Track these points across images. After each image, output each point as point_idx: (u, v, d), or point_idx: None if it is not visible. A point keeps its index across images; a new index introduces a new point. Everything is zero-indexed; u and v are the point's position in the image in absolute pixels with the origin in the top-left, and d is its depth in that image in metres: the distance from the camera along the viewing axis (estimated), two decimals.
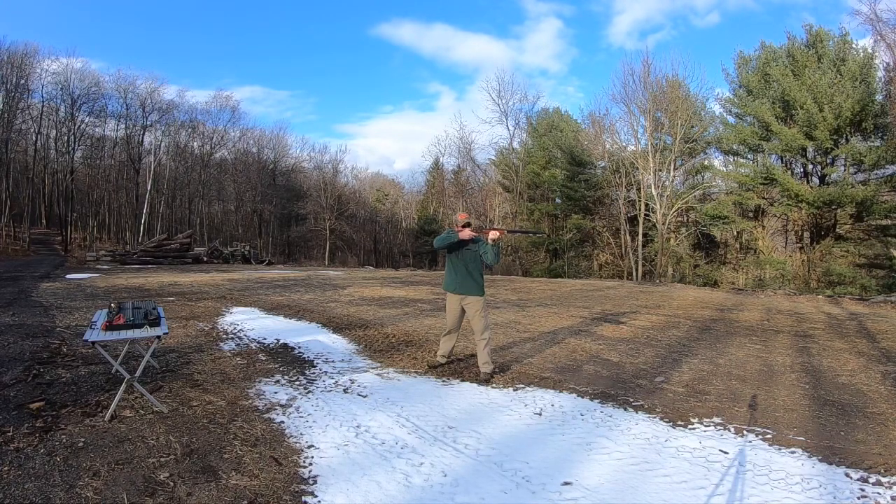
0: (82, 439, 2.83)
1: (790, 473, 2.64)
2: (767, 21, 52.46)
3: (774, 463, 2.76)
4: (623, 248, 26.69)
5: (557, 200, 31.70)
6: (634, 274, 24.47)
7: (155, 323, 3.55)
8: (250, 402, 3.62)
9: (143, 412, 3.29)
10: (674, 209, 23.53)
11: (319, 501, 2.31)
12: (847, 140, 20.65)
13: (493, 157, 36.80)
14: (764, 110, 21.15)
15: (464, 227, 4.38)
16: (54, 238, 33.27)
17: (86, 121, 33.25)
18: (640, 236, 24.52)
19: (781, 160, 23.11)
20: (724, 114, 24.96)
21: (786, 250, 23.87)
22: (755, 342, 6.24)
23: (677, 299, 11.87)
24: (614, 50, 66.78)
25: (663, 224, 23.41)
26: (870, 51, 19.52)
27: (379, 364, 4.84)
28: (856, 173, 20.77)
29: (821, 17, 47.97)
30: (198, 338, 5.82)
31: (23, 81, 29.97)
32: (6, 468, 2.45)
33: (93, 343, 3.20)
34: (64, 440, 2.81)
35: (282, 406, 3.55)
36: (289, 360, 4.87)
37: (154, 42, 61.00)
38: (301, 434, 3.06)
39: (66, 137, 32.91)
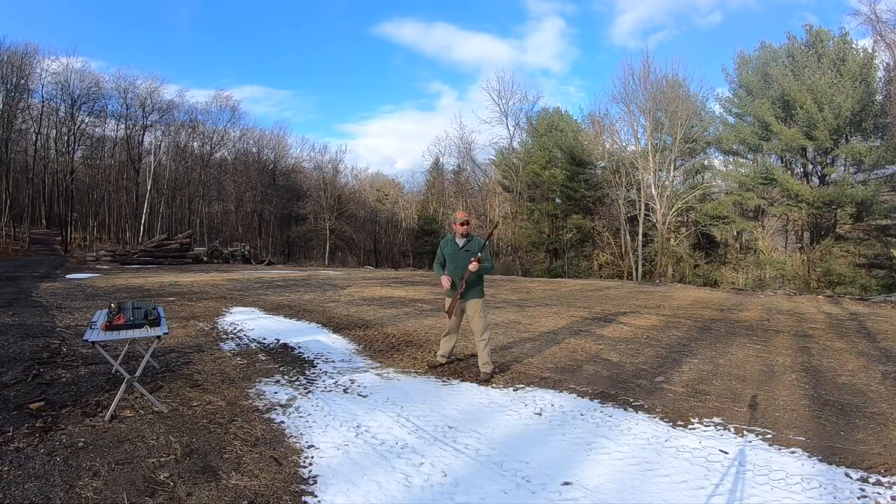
0: (82, 439, 2.83)
1: (790, 473, 2.63)
2: (769, 21, 52.44)
3: (774, 463, 2.76)
4: (623, 248, 26.70)
5: (557, 200, 31.70)
6: (634, 274, 24.47)
7: (155, 323, 3.55)
8: (250, 402, 3.62)
9: (143, 412, 3.29)
10: (674, 209, 23.54)
11: (319, 501, 2.30)
12: (847, 140, 20.67)
13: (493, 157, 36.86)
14: (764, 110, 21.16)
15: (462, 224, 4.46)
16: (54, 238, 33.27)
17: (86, 121, 33.30)
18: (640, 236, 24.52)
19: (781, 160, 23.15)
20: (724, 114, 25.04)
21: (786, 250, 23.88)
22: (755, 342, 6.24)
23: (677, 299, 11.87)
24: (616, 50, 66.62)
25: (663, 224, 23.42)
26: (870, 51, 19.56)
27: (379, 364, 4.84)
28: (856, 173, 20.80)
29: (823, 16, 48.03)
30: (198, 338, 5.82)
31: (23, 81, 29.99)
32: (6, 468, 2.44)
33: (93, 343, 3.20)
34: (64, 440, 2.81)
35: (282, 406, 3.55)
36: (289, 360, 4.87)
37: (154, 41, 61.02)
38: (301, 434, 3.06)
39: (66, 137, 32.93)
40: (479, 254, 4.36)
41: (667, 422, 3.39)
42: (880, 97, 19.57)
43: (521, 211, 32.90)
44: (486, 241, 4.54)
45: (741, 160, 24.44)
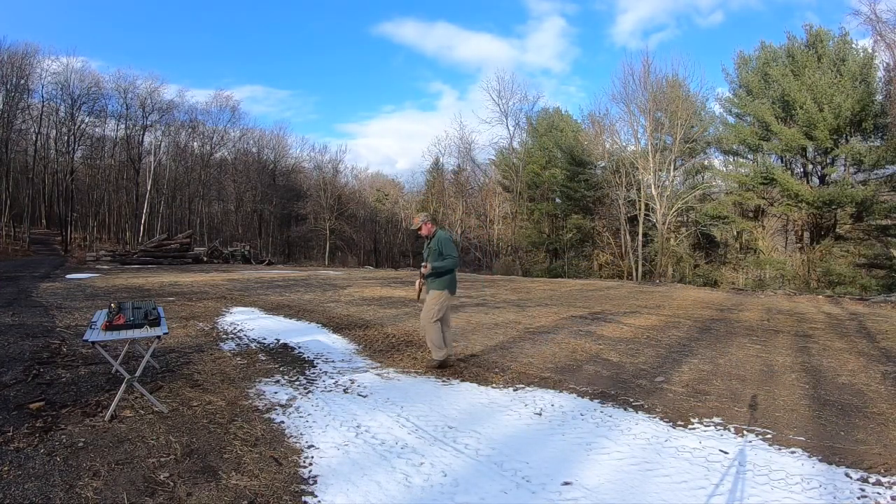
0: (82, 439, 2.83)
1: (790, 473, 2.63)
2: (769, 21, 52.53)
3: (774, 463, 2.76)
4: (623, 248, 26.69)
5: (557, 200, 31.70)
6: (634, 274, 24.46)
7: (155, 323, 3.55)
8: (250, 402, 3.62)
9: (143, 412, 3.29)
10: (674, 209, 23.53)
11: (319, 501, 2.30)
12: (847, 140, 20.65)
13: (493, 157, 36.86)
14: (764, 110, 21.15)
15: (418, 229, 4.77)
16: (54, 238, 33.27)
17: (86, 121, 33.30)
18: (640, 236, 24.51)
19: (781, 160, 23.12)
20: (724, 114, 25.00)
21: (786, 250, 23.87)
22: (755, 342, 6.24)
23: (677, 299, 11.87)
24: (617, 49, 66.89)
25: (663, 224, 23.41)
26: (870, 51, 19.54)
27: (379, 364, 4.84)
28: (856, 173, 20.78)
29: (823, 16, 48.04)
30: (198, 338, 5.82)
31: (23, 81, 29.99)
32: (6, 468, 2.44)
33: (93, 343, 3.20)
34: (64, 440, 2.81)
35: (282, 406, 3.55)
36: (289, 360, 4.87)
37: (154, 41, 61.06)
38: (301, 434, 3.06)
39: (66, 137, 32.93)
40: (428, 258, 4.68)
41: (667, 422, 3.39)
42: (880, 97, 19.54)
43: (521, 211, 32.89)
44: (433, 235, 4.74)
45: (741, 160, 24.41)
